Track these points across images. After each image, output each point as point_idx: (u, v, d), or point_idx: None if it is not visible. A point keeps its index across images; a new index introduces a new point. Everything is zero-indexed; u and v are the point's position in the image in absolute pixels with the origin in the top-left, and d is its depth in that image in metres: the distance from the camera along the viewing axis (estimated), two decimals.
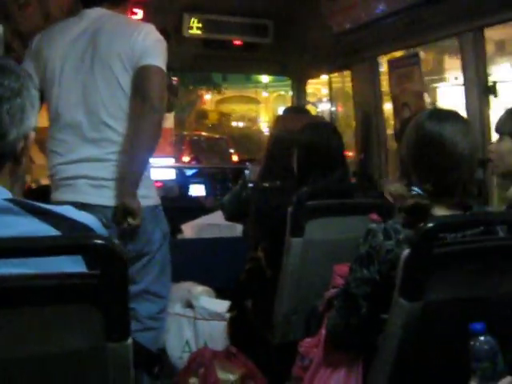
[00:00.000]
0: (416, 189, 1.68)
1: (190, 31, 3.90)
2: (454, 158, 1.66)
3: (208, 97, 26.68)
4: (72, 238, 1.19)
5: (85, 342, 1.20)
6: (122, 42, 2.32)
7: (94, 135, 2.32)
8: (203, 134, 18.93)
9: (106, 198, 2.28)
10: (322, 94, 16.05)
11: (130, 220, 2.25)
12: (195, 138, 16.98)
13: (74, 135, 2.33)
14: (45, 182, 3.71)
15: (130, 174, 2.27)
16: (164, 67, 2.33)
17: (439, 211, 1.68)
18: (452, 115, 1.73)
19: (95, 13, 2.40)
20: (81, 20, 2.40)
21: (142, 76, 2.29)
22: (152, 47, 2.33)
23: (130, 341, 1.22)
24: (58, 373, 1.19)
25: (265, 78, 23.58)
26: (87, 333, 1.20)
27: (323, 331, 1.99)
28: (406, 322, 1.55)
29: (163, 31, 3.79)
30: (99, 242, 1.15)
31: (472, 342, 1.37)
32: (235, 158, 13.34)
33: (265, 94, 27.55)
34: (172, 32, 3.84)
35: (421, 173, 1.72)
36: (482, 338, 1.36)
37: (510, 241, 1.62)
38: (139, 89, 2.28)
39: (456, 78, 10.77)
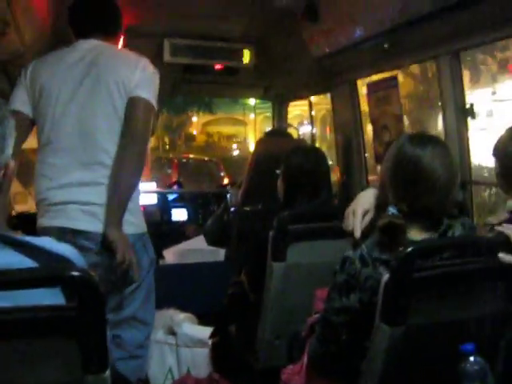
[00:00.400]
0: (391, 209, 1.70)
1: (171, 56, 3.90)
2: (431, 183, 1.68)
3: (195, 119, 26.51)
4: (48, 270, 1.18)
5: (62, 374, 1.18)
6: (123, 70, 2.35)
7: (88, 159, 2.31)
8: (191, 156, 18.48)
9: (97, 223, 2.26)
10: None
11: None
12: (183, 160, 16.50)
13: (67, 158, 2.32)
14: (21, 208, 3.68)
15: (112, 203, 2.25)
16: (154, 101, 2.37)
17: (414, 233, 1.70)
18: (432, 140, 1.76)
19: (90, 43, 2.44)
20: (75, 50, 2.43)
21: (130, 107, 2.32)
22: (147, 80, 2.37)
23: (108, 373, 1.20)
24: None
25: (252, 100, 23.50)
26: (65, 365, 1.18)
27: (305, 358, 1.97)
28: (389, 346, 1.55)
29: None
30: (75, 273, 1.14)
31: (462, 363, 1.37)
32: (226, 181, 13.19)
33: (252, 116, 27.55)
34: (152, 57, 3.85)
35: (397, 193, 1.73)
36: (472, 359, 1.37)
37: (488, 263, 1.62)
38: (126, 119, 2.31)
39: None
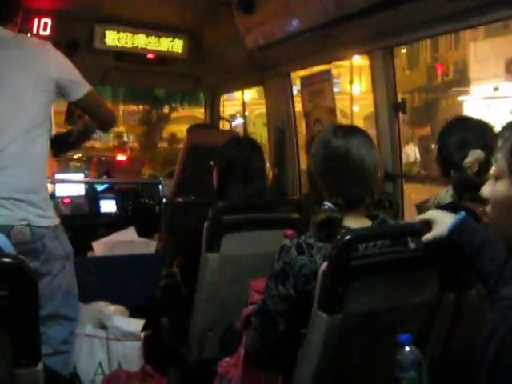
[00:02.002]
0: (327, 203, 1.71)
1: (102, 43, 3.79)
2: (361, 172, 1.72)
3: None
4: None
5: None
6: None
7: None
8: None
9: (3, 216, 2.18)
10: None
11: None
12: (103, 158, 16.12)
13: None
14: None
15: None
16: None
17: (349, 223, 1.72)
18: (355, 130, 1.81)
19: None
20: None
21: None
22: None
23: (40, 366, 1.15)
24: None
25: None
26: None
27: (242, 350, 1.96)
28: (326, 334, 1.56)
29: (73, 42, 3.71)
30: (7, 260, 1.08)
31: (398, 354, 1.39)
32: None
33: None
34: (82, 43, 3.74)
35: (330, 187, 1.75)
36: (408, 349, 1.39)
37: (423, 252, 1.66)
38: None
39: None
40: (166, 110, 22.66)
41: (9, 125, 2.25)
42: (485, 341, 1.15)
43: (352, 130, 1.81)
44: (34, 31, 3.46)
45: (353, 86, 22.16)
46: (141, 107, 23.29)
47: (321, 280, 1.55)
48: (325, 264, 1.55)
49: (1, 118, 2.25)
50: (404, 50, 23.01)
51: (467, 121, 2.28)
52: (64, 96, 2.43)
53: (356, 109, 24.39)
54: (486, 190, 1.32)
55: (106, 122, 2.71)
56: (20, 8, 2.50)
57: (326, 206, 1.71)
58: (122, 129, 25.54)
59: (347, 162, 1.71)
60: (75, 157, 15.65)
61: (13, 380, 1.12)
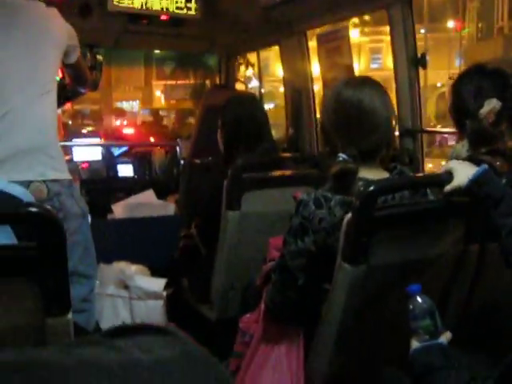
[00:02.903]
0: (342, 155, 1.70)
1: (114, 4, 3.74)
2: (374, 121, 1.70)
3: None
4: (4, 207, 1.11)
5: (21, 318, 1.13)
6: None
7: None
8: None
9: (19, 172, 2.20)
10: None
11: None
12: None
13: None
14: None
15: None
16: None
17: (365, 174, 1.71)
18: (368, 81, 1.79)
19: None
20: None
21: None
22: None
23: (70, 315, 1.16)
24: None
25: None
26: (24, 308, 1.13)
27: (262, 306, 1.97)
28: (350, 286, 1.56)
29: (85, 6, 3.67)
30: (34, 210, 1.07)
31: (410, 303, 1.39)
32: None
33: None
34: (95, 6, 3.70)
35: (344, 139, 1.74)
36: (418, 298, 1.39)
37: (444, 203, 1.65)
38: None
39: None
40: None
41: (28, 82, 2.27)
42: None
43: (364, 80, 1.80)
44: None
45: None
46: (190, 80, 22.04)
47: (345, 231, 1.54)
48: (349, 215, 1.54)
49: (18, 77, 2.27)
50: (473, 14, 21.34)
51: (484, 68, 2.22)
52: (64, 58, 2.48)
53: None
54: None
55: (87, 83, 2.85)
56: None
57: (341, 158, 1.69)
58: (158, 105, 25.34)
59: (359, 112, 1.70)
60: (84, 131, 15.68)
61: (44, 329, 1.13)
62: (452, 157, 2.10)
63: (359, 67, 25.04)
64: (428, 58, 2.83)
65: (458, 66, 23.83)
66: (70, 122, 15.92)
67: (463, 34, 22.45)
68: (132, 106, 28.22)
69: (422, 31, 23.14)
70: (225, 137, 2.73)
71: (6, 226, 1.14)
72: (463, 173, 1.57)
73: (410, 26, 2.77)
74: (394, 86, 2.84)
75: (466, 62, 22.42)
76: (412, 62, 2.78)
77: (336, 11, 3.15)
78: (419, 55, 2.80)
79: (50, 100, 2.37)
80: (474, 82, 2.07)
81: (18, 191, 1.25)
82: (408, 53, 2.77)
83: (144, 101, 28.05)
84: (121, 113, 22.77)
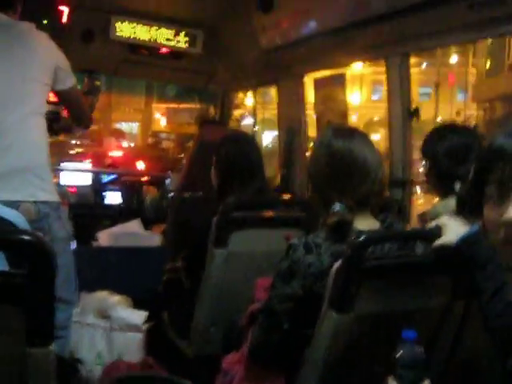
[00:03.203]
0: (337, 204, 1.71)
1: (117, 34, 3.80)
2: (365, 171, 1.74)
3: None
4: None
5: (4, 347, 1.11)
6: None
7: None
8: None
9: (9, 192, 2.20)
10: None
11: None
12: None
13: None
14: None
15: None
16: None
17: (359, 224, 1.73)
18: (355, 131, 1.84)
19: None
20: None
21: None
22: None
23: (53, 346, 1.14)
24: None
25: None
26: (7, 337, 1.11)
27: (246, 347, 1.96)
28: (334, 334, 1.56)
29: (88, 32, 3.73)
30: (27, 238, 1.07)
31: (402, 349, 1.38)
32: None
33: None
34: (98, 33, 3.75)
35: (337, 189, 1.75)
36: (412, 346, 1.38)
37: (432, 257, 1.66)
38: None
39: None
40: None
41: (15, 104, 2.29)
42: None
43: (351, 131, 1.84)
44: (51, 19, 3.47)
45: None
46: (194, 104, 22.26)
47: (333, 278, 1.54)
48: (338, 263, 1.55)
49: (9, 97, 2.28)
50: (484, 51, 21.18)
51: (456, 127, 2.27)
52: (54, 84, 2.48)
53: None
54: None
55: (82, 118, 2.81)
56: None
57: (337, 208, 1.71)
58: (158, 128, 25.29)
59: (351, 162, 1.73)
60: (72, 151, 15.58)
61: (25, 359, 1.11)
62: (432, 217, 2.11)
63: (361, 98, 25.07)
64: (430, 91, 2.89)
65: (461, 100, 23.78)
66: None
67: (469, 70, 22.69)
68: (131, 127, 28.15)
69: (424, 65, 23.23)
70: (218, 174, 2.75)
71: None
72: (454, 230, 1.58)
73: (406, 78, 2.82)
74: None
75: (476, 97, 22.43)
76: (406, 113, 2.82)
77: (335, 58, 3.21)
78: (413, 107, 2.85)
79: (40, 122, 2.39)
80: (452, 142, 2.12)
81: (9, 214, 1.24)
82: (403, 104, 2.82)
83: (144, 123, 28.01)
84: (120, 134, 22.63)
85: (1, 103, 2.29)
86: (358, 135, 1.79)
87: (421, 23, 2.51)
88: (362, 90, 25.36)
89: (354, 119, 22.37)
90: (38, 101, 2.39)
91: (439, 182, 2.28)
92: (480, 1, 2.15)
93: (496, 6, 2.10)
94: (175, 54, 4.10)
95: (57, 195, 2.40)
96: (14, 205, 2.15)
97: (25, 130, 2.30)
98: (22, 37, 2.39)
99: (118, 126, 27.28)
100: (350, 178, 1.73)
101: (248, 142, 2.87)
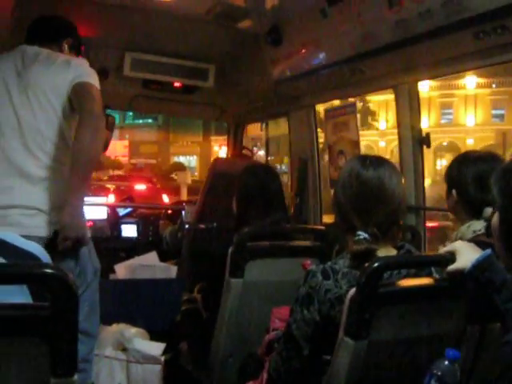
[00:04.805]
0: (362, 233, 1.73)
1: (131, 70, 3.89)
2: (393, 202, 1.76)
3: None
4: (21, 266, 1.14)
5: (28, 377, 1.14)
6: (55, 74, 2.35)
7: (29, 162, 2.27)
8: None
9: (41, 228, 2.22)
10: None
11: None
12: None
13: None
14: None
15: (74, 185, 2.21)
16: (97, 85, 2.37)
17: (382, 253, 1.74)
18: (383, 161, 1.83)
19: (32, 49, 2.43)
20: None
21: (77, 92, 2.32)
22: (85, 70, 2.39)
23: (76, 377, 1.17)
24: None
25: None
26: (31, 368, 1.14)
27: (264, 375, 1.97)
28: (351, 360, 1.57)
29: (102, 69, 3.82)
30: (50, 271, 1.11)
31: (443, 368, 1.39)
32: None
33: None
34: (112, 70, 3.85)
35: (363, 218, 1.76)
36: (453, 366, 1.39)
37: (446, 283, 1.67)
38: (77, 103, 2.31)
39: None
40: None
41: (45, 138, 2.31)
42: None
43: (380, 161, 1.83)
44: None
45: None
46: None
47: (348, 305, 1.56)
48: (353, 290, 1.56)
49: (37, 131, 2.31)
50: None
51: (481, 153, 2.25)
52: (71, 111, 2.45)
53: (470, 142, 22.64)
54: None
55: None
56: (69, 35, 2.61)
57: (362, 237, 1.73)
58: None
59: (381, 193, 1.74)
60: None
61: None
62: (456, 238, 2.12)
63: (429, 122, 24.22)
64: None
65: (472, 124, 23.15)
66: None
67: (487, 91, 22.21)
68: (189, 160, 27.98)
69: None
70: (238, 204, 2.80)
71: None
72: (466, 255, 1.60)
73: (415, 106, 2.86)
74: (467, 143, 2.87)
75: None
76: (417, 140, 2.86)
77: (345, 88, 3.26)
78: (424, 134, 2.88)
79: (63, 156, 2.34)
80: (479, 169, 2.11)
81: (34, 248, 1.28)
82: (413, 132, 2.86)
83: (202, 155, 27.79)
84: (180, 168, 22.46)
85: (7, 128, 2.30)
86: (386, 165, 1.80)
87: (428, 52, 2.56)
88: (430, 114, 23.88)
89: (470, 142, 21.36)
90: (52, 130, 2.35)
91: (466, 209, 2.22)
92: (485, 29, 2.20)
93: (500, 34, 2.14)
94: (188, 88, 4.20)
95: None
96: (41, 240, 2.19)
97: (56, 165, 2.30)
98: (42, 65, 2.38)
99: (176, 159, 27.14)
100: (378, 207, 1.75)
101: (267, 173, 2.90)
